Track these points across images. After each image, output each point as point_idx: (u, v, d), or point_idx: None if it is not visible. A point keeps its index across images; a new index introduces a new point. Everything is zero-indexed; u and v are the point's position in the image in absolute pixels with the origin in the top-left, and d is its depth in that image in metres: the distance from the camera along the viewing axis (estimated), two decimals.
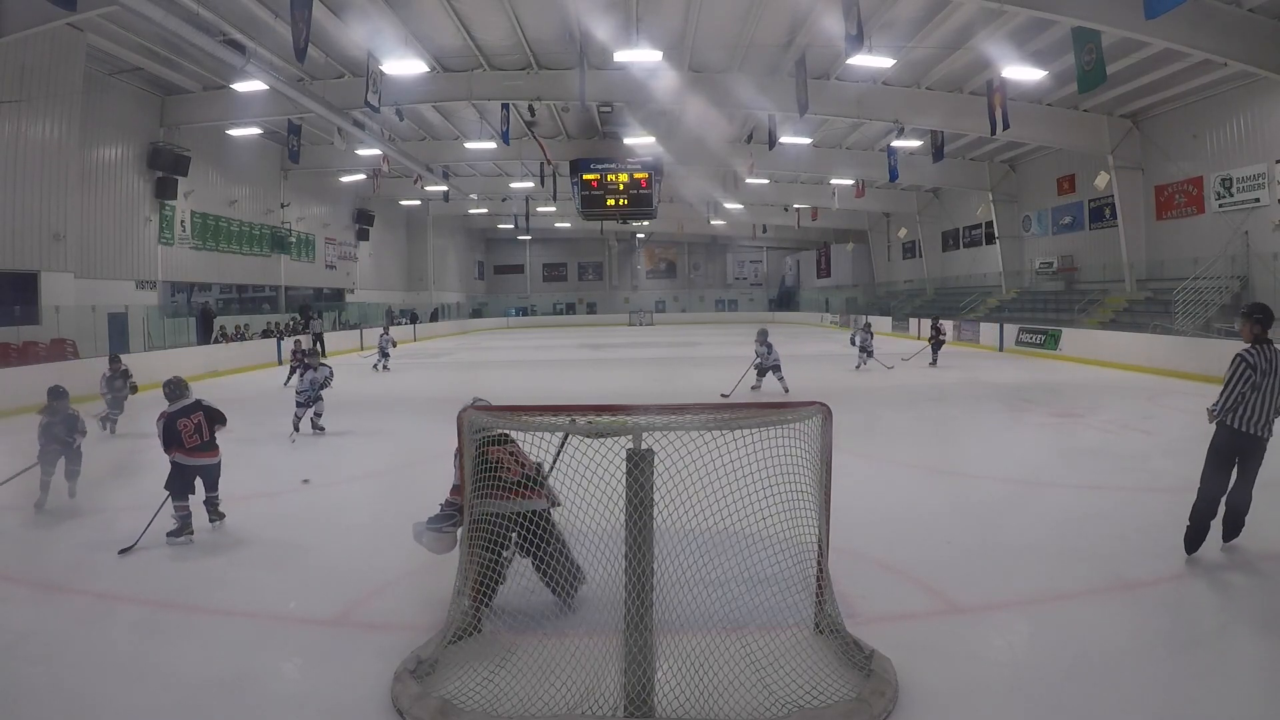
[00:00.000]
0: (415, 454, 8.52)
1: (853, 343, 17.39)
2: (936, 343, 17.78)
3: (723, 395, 12.01)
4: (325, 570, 4.77)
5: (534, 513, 3.81)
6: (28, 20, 12.58)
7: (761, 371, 12.97)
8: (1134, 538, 5.12)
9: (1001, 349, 21.38)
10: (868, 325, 17.58)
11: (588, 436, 3.46)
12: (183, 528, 5.38)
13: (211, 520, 5.69)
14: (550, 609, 3.93)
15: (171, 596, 4.40)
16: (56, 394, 6.50)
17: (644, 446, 3.14)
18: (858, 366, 16.34)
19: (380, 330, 20.25)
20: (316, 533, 5.64)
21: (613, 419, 3.58)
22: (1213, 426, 4.68)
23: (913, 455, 8.24)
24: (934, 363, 17.44)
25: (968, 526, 4.87)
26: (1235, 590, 4.30)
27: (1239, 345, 4.68)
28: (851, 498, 5.18)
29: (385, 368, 18.32)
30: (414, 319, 34.38)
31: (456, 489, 4.03)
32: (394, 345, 19.14)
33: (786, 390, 12.42)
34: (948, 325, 20.38)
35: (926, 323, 20.91)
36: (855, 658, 3.35)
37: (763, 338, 13.01)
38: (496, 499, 3.70)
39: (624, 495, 3.13)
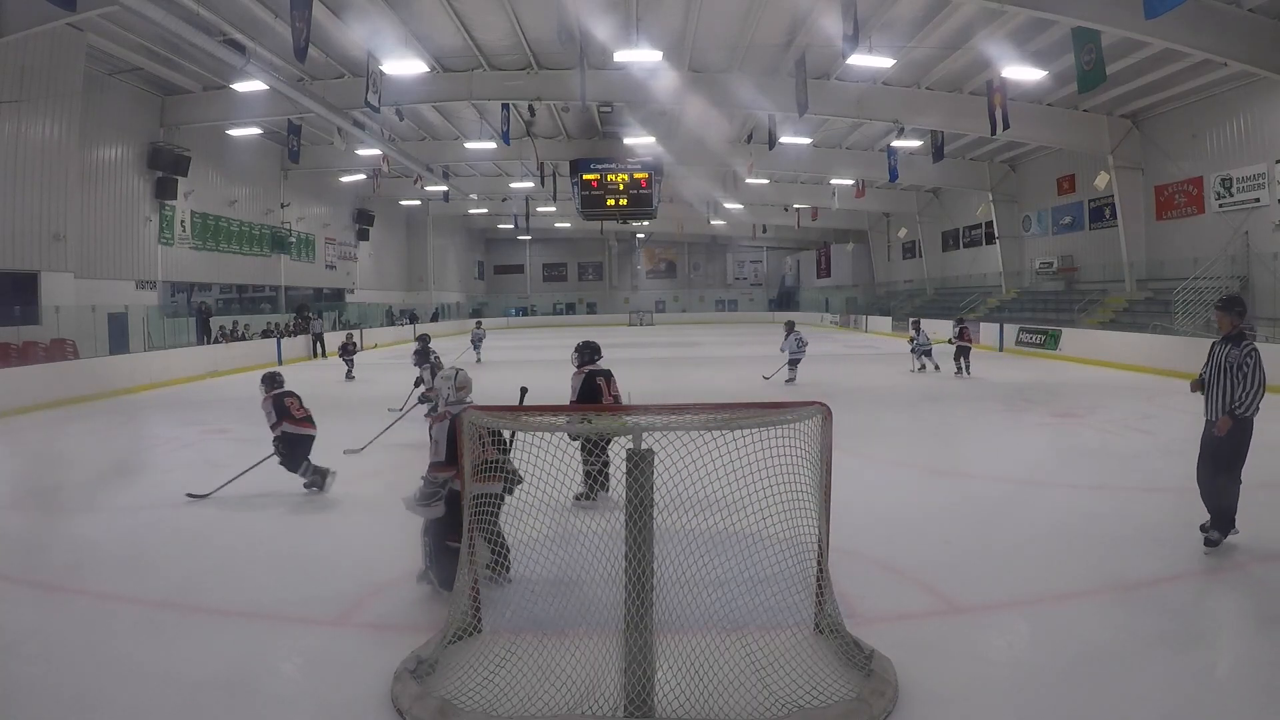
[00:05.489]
0: (415, 454, 8.51)
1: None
2: (961, 349, 15.33)
3: (765, 378, 14.52)
4: (325, 570, 4.77)
5: (488, 495, 4.05)
6: (28, 20, 12.58)
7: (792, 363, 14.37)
8: (1134, 538, 5.12)
9: (1001, 349, 21.37)
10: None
11: (588, 436, 3.46)
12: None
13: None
14: (550, 609, 3.93)
15: (171, 596, 4.39)
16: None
17: (644, 446, 3.14)
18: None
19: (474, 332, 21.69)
20: (316, 533, 5.64)
21: (613, 419, 3.59)
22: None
23: (913, 455, 8.25)
24: (962, 371, 15.25)
25: (967, 526, 4.87)
26: (1235, 590, 4.30)
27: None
28: (851, 497, 5.19)
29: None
30: (413, 319, 34.36)
31: (434, 466, 4.31)
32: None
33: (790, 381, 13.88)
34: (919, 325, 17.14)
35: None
36: (855, 658, 3.35)
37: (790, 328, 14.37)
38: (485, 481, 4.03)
39: (623, 495, 3.13)
